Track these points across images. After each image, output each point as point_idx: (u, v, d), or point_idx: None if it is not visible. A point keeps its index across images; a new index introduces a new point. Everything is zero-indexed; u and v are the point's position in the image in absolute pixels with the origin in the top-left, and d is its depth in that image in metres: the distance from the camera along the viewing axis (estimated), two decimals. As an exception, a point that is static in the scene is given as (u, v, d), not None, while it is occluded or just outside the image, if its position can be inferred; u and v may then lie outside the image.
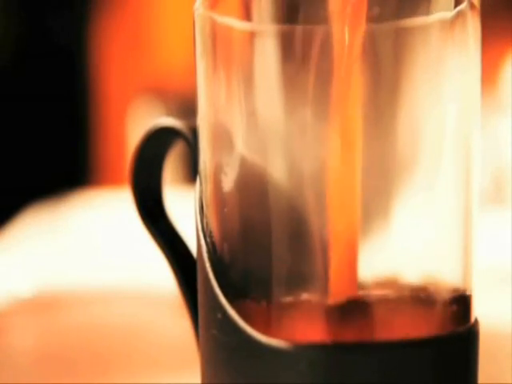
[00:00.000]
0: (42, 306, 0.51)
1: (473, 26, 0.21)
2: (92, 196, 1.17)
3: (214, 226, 0.22)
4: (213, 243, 0.22)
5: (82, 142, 1.88)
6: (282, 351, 0.19)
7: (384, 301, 0.20)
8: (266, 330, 0.20)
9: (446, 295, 0.21)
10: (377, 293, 0.20)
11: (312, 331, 0.20)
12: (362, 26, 0.20)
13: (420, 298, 0.20)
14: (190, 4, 0.23)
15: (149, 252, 0.32)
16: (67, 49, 1.84)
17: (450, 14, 0.21)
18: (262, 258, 0.20)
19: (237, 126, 0.21)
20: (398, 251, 0.20)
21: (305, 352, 0.19)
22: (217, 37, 0.22)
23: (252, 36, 0.21)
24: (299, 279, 0.20)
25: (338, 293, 0.20)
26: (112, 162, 1.85)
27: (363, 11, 0.20)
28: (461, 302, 0.21)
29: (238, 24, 0.21)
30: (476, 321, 0.22)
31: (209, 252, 0.22)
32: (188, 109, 0.47)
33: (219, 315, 0.21)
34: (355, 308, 0.20)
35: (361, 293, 0.20)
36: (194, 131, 0.24)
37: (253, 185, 0.21)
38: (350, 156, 0.20)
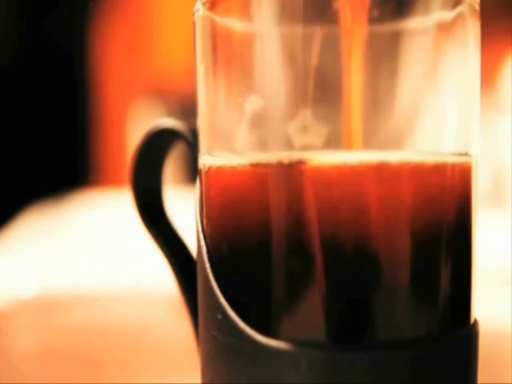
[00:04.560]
0: (43, 306, 0.52)
1: (473, 26, 0.21)
2: (92, 196, 1.17)
3: (214, 226, 0.22)
4: (213, 244, 0.22)
5: (82, 142, 1.88)
6: (281, 351, 0.19)
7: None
8: (265, 331, 0.20)
9: (446, 290, 0.21)
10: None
11: (312, 331, 0.20)
12: (364, 26, 0.20)
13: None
14: (190, 5, 0.23)
15: (149, 253, 0.32)
16: (67, 50, 1.84)
17: (450, 14, 0.21)
18: (262, 260, 0.20)
19: (236, 127, 0.21)
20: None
21: (304, 352, 0.19)
22: (217, 38, 0.22)
23: (252, 37, 0.21)
24: (299, 279, 0.20)
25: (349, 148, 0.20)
26: (112, 163, 1.85)
27: (365, 11, 0.20)
28: (461, 303, 0.21)
29: (237, 25, 0.21)
30: (476, 321, 0.22)
31: (209, 253, 0.22)
32: (188, 110, 0.47)
33: (219, 316, 0.21)
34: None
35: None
36: (194, 132, 0.24)
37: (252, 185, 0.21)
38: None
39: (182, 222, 0.29)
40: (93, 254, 0.74)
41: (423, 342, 0.20)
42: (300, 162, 0.20)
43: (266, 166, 0.20)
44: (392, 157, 0.20)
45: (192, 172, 0.25)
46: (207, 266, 0.21)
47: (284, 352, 0.19)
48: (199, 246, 0.22)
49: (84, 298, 0.54)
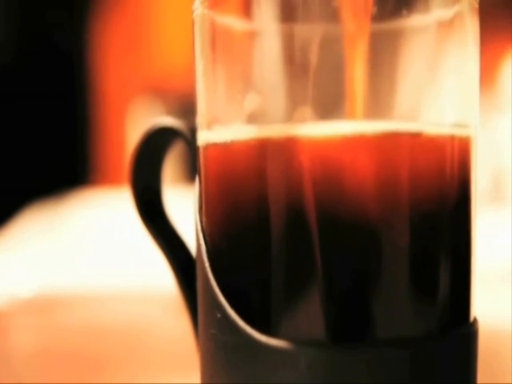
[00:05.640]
0: (43, 306, 0.52)
1: (472, 24, 0.21)
2: (92, 195, 1.17)
3: (213, 225, 0.22)
4: (212, 243, 0.22)
5: (82, 141, 1.88)
6: (281, 351, 0.19)
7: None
8: (265, 330, 0.20)
9: (446, 288, 0.21)
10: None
11: (311, 330, 0.20)
12: (364, 25, 0.20)
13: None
14: (189, 4, 0.23)
15: (148, 252, 0.32)
16: (67, 49, 1.84)
17: (449, 13, 0.21)
18: (262, 258, 0.20)
19: (236, 126, 0.21)
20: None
21: (304, 351, 0.19)
22: (216, 36, 0.22)
23: (251, 35, 0.21)
24: (298, 277, 0.20)
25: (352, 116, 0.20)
26: (112, 162, 1.85)
27: (365, 9, 0.20)
28: (460, 301, 0.21)
29: (237, 23, 0.21)
30: (475, 320, 0.22)
31: (208, 252, 0.22)
32: (187, 108, 0.47)
33: (218, 314, 0.21)
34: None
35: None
36: (193, 130, 0.24)
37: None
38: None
39: (182, 220, 0.29)
40: (93, 253, 0.74)
41: (423, 341, 0.20)
42: (297, 135, 0.20)
43: (264, 140, 0.20)
44: (390, 126, 0.20)
45: (191, 170, 0.25)
46: (206, 264, 0.21)
47: (283, 351, 0.19)
48: (199, 245, 0.22)
49: (84, 298, 0.54)
